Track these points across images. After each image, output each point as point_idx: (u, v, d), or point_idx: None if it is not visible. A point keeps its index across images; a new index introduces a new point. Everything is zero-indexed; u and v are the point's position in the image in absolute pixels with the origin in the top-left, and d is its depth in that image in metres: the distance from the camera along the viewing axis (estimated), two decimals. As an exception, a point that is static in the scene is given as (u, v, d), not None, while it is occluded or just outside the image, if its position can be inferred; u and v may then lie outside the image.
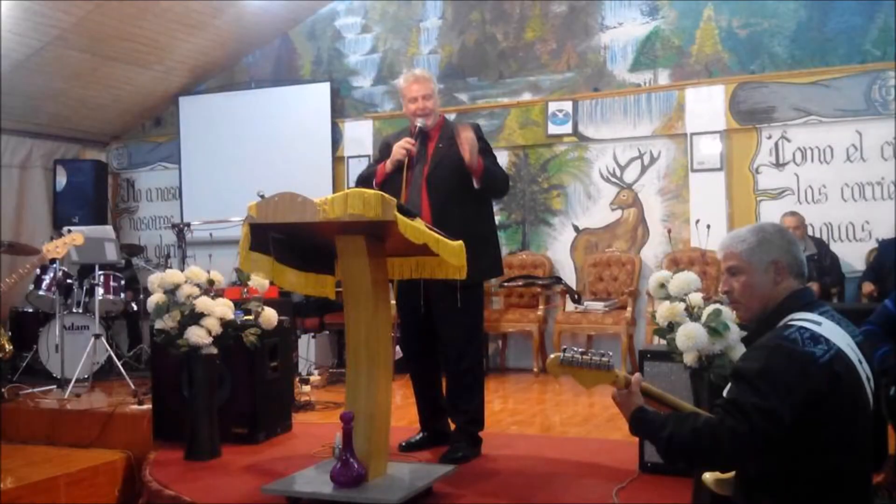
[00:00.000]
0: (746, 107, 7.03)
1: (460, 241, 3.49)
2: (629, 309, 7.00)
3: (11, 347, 5.62)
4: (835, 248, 6.64)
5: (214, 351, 4.34)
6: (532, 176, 7.79)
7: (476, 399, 4.19)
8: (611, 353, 2.29)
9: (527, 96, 7.84)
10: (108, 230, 6.94)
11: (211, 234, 7.28)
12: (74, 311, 6.81)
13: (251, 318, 4.54)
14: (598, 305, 7.08)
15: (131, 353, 7.57)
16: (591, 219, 7.60)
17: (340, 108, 8.50)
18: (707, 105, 7.12)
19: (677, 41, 7.33)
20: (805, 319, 2.15)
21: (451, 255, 3.44)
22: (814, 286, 5.62)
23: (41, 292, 6.94)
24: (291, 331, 6.14)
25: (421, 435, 4.33)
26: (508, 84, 7.91)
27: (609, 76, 7.55)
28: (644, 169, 7.41)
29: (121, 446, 5.05)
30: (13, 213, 8.46)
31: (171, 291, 4.34)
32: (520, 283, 7.44)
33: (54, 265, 6.67)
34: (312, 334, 7.26)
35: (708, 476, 2.32)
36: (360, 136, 8.35)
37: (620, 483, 3.62)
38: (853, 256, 6.65)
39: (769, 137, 7.01)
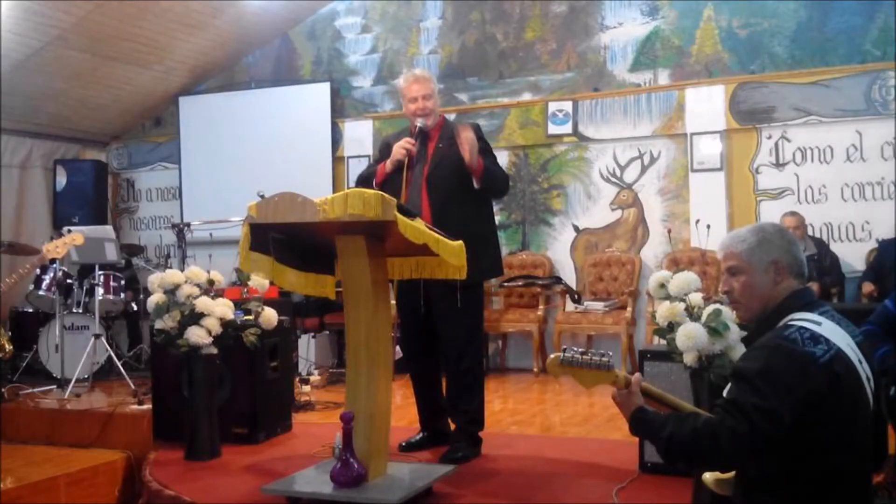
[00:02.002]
0: (746, 107, 7.03)
1: (460, 241, 3.49)
2: (629, 309, 7.00)
3: (11, 347, 5.61)
4: (835, 248, 6.64)
5: (214, 351, 4.34)
6: (532, 176, 7.79)
7: (476, 399, 4.19)
8: (611, 353, 2.29)
9: (527, 96, 7.84)
10: (108, 230, 6.94)
11: (211, 234, 7.28)
12: (74, 311, 6.82)
13: (251, 318, 4.54)
14: (598, 305, 7.08)
15: (131, 353, 7.57)
16: (591, 219, 7.60)
17: (340, 108, 8.50)
18: (707, 105, 7.12)
19: (677, 41, 7.33)
20: (805, 319, 2.15)
21: (451, 255, 3.45)
22: (814, 286, 5.62)
23: (41, 292, 6.95)
24: (291, 331, 6.14)
25: (421, 435, 4.33)
26: (508, 84, 7.91)
27: (609, 76, 7.56)
28: (644, 169, 7.41)
29: (121, 446, 5.05)
30: (13, 213, 8.46)
31: (171, 291, 4.34)
32: (520, 283, 7.44)
33: (54, 265, 6.67)
34: (312, 334, 7.26)
35: (708, 476, 2.32)
36: (360, 136, 8.35)
37: (620, 483, 3.62)
38: (853, 256, 6.65)
39: (769, 137, 7.01)
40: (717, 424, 2.06)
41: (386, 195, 3.31)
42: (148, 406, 5.08)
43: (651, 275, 4.06)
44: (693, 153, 7.19)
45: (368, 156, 8.03)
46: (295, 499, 3.44)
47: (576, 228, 7.66)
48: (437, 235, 3.39)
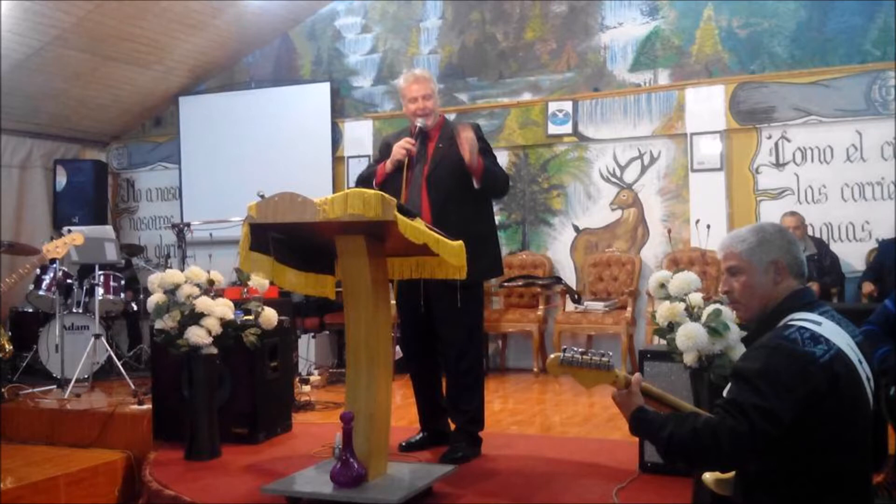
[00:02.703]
0: (746, 107, 7.03)
1: (460, 241, 3.49)
2: (629, 309, 7.00)
3: (11, 347, 5.61)
4: (835, 248, 6.64)
5: (214, 351, 4.34)
6: (532, 176, 7.79)
7: (476, 399, 4.19)
8: (611, 353, 2.28)
9: (527, 96, 7.84)
10: (108, 230, 6.94)
11: (211, 234, 7.28)
12: (74, 311, 6.81)
13: (251, 318, 4.55)
14: (598, 305, 7.08)
15: (131, 353, 7.57)
16: (591, 219, 7.60)
17: (340, 108, 8.50)
18: (707, 105, 7.12)
19: (677, 41, 7.33)
20: (805, 319, 2.15)
21: (451, 255, 3.44)
22: (814, 286, 5.61)
23: (41, 292, 6.94)
24: (291, 331, 6.14)
25: (421, 435, 4.33)
26: (508, 84, 7.91)
27: (609, 76, 7.56)
28: (644, 169, 7.41)
29: (121, 446, 5.05)
30: (13, 213, 8.46)
31: (171, 291, 4.34)
32: (520, 283, 7.44)
33: (54, 265, 6.67)
34: (312, 334, 7.26)
35: (708, 476, 2.32)
36: (360, 136, 8.36)
37: (620, 483, 3.62)
38: (853, 256, 6.65)
39: (769, 137, 7.01)
40: (717, 424, 2.06)
41: (386, 195, 3.31)
42: (148, 406, 5.08)
43: (651, 275, 4.06)
44: (693, 153, 7.19)
45: (368, 156, 8.04)
46: (295, 499, 3.44)
47: (576, 228, 7.66)
48: (437, 235, 3.39)
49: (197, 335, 4.24)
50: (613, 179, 7.51)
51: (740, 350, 3.07)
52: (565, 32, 7.70)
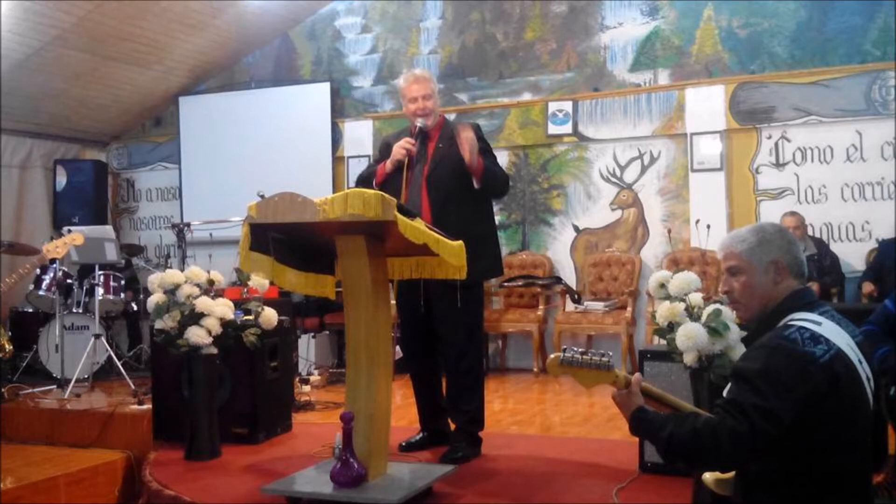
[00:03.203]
0: (746, 107, 7.03)
1: (460, 241, 3.49)
2: (629, 309, 7.00)
3: (11, 347, 5.60)
4: (835, 248, 6.64)
5: (214, 351, 4.34)
6: (532, 176, 7.79)
7: (476, 399, 4.19)
8: (611, 353, 2.28)
9: (527, 96, 7.84)
10: (108, 230, 6.94)
11: (211, 234, 7.28)
12: (74, 311, 6.81)
13: (251, 318, 4.55)
14: (598, 305, 7.08)
15: (131, 353, 7.57)
16: (591, 219, 7.60)
17: (340, 108, 8.50)
18: (707, 105, 7.12)
19: (677, 41, 7.33)
20: (805, 319, 2.15)
21: (451, 255, 3.44)
22: (814, 286, 5.61)
23: (41, 292, 6.94)
24: (291, 331, 6.14)
25: (421, 435, 4.34)
26: (508, 84, 7.91)
27: (609, 76, 7.56)
28: (644, 169, 7.41)
29: (121, 446, 5.06)
30: (13, 213, 8.47)
31: (171, 291, 4.34)
32: (520, 283, 7.44)
33: (54, 265, 6.67)
34: (312, 334, 7.26)
35: (708, 476, 2.32)
36: (360, 136, 8.36)
37: (620, 483, 3.62)
38: (853, 256, 6.65)
39: (769, 137, 7.01)
40: (717, 424, 2.06)
41: (386, 195, 3.31)
42: (148, 406, 5.08)
43: (651, 275, 4.05)
44: (693, 153, 7.19)
45: (368, 156, 8.04)
46: (295, 499, 3.44)
47: (576, 228, 7.66)
48: (437, 235, 3.39)
49: (197, 335, 4.24)
50: (613, 179, 7.51)
51: (740, 350, 3.07)
52: (565, 32, 7.70)
